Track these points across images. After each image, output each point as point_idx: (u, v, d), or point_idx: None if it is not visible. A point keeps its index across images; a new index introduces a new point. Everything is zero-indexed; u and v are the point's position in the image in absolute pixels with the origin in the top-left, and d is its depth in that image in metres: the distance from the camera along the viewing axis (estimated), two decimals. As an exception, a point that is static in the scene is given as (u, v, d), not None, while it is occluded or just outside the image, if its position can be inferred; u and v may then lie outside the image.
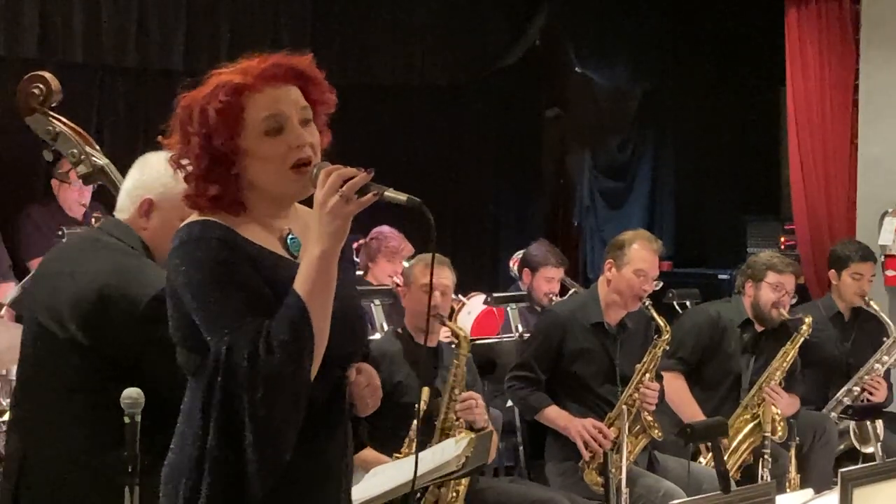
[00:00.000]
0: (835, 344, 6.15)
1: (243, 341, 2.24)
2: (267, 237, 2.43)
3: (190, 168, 2.41)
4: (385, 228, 6.80)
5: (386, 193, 2.31)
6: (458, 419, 4.57)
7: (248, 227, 2.40)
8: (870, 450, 5.67)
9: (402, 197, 2.31)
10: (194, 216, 2.41)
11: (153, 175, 3.15)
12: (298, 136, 2.38)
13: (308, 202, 2.41)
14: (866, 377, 5.97)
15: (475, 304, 6.81)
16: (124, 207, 3.18)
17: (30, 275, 3.40)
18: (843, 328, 6.21)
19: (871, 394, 5.93)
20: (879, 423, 5.51)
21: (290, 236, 2.47)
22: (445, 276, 4.81)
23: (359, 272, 6.63)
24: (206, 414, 2.30)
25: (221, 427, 2.28)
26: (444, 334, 5.22)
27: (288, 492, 2.36)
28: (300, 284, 2.29)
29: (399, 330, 4.91)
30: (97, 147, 3.54)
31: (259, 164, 2.38)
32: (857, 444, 5.76)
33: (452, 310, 6.09)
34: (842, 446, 5.84)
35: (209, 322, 2.30)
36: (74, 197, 6.41)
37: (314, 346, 2.28)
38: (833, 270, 6.23)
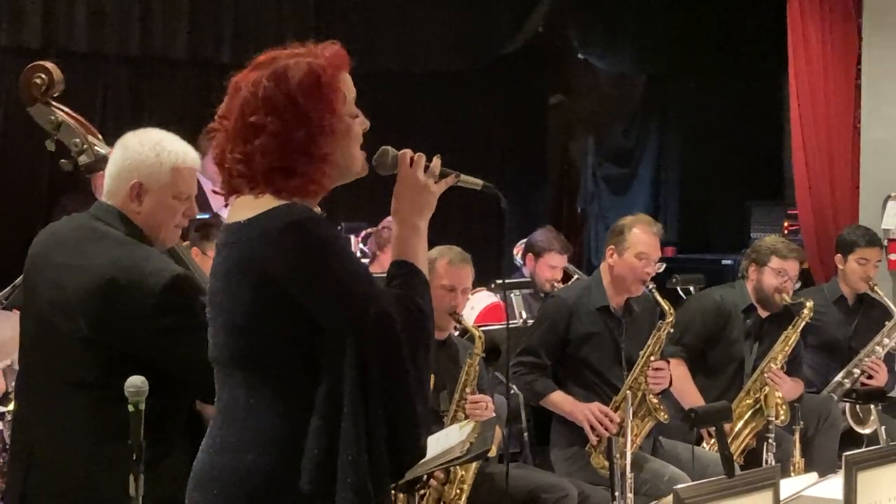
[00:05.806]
0: (837, 327, 6.14)
1: (390, 306, 2.29)
2: None
3: (310, 139, 2.34)
4: None
5: (462, 177, 2.55)
6: (466, 417, 4.57)
7: None
8: (866, 431, 5.69)
9: (477, 182, 2.55)
10: (275, 200, 2.34)
11: (137, 157, 3.09)
12: (365, 120, 2.47)
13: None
14: (866, 360, 5.96)
15: (479, 300, 6.79)
16: (113, 192, 3.13)
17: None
18: (847, 312, 6.18)
19: (870, 377, 5.93)
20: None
21: None
22: (466, 276, 4.75)
23: (365, 260, 6.62)
24: (365, 389, 2.26)
25: (387, 396, 2.28)
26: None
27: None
28: (409, 254, 2.45)
29: None
30: (100, 136, 3.52)
31: (352, 139, 2.43)
32: (853, 425, 5.77)
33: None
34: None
35: (346, 296, 2.28)
36: None
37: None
38: (839, 255, 6.20)
